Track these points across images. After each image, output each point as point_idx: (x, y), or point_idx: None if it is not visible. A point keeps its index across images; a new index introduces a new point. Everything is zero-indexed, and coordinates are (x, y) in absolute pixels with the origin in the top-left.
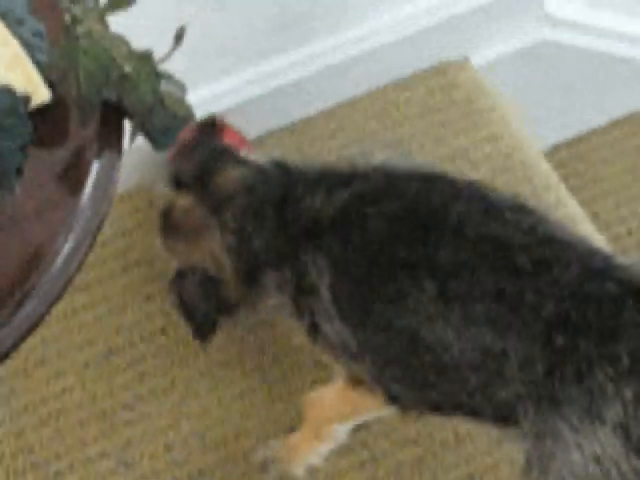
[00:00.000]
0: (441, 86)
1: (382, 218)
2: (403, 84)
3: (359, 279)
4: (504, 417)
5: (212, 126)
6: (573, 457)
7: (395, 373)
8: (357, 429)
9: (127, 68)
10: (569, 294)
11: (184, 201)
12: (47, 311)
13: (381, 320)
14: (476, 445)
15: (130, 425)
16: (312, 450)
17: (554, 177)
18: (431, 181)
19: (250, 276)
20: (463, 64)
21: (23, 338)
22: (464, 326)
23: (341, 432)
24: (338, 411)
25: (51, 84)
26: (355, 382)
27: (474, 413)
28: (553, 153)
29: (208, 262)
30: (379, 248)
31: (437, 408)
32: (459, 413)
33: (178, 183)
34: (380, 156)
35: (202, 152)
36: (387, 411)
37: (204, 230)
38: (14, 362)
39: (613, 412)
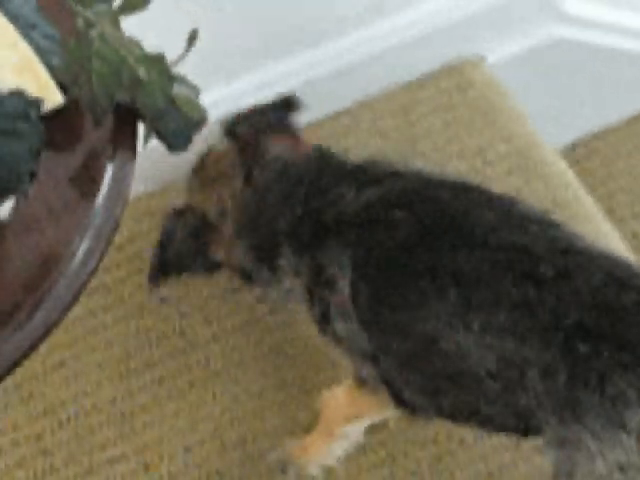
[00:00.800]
0: (456, 85)
1: (408, 222)
2: (418, 83)
3: (380, 280)
4: (523, 426)
5: (287, 104)
6: (597, 466)
7: (408, 377)
8: (374, 429)
9: (140, 71)
10: (590, 303)
11: (225, 148)
12: (63, 315)
13: (399, 323)
14: (493, 443)
15: (148, 427)
16: (326, 450)
17: (570, 175)
18: (461, 190)
19: (266, 253)
20: (478, 63)
21: (39, 342)
22: (485, 334)
23: (355, 432)
24: (348, 411)
25: (64, 87)
26: (360, 382)
27: (490, 422)
28: (568, 151)
29: (215, 208)
30: (403, 251)
31: (449, 415)
32: (472, 421)
33: (230, 133)
34: (417, 163)
35: (265, 115)
36: (391, 413)
37: (227, 178)
38: (31, 365)
39: (636, 419)
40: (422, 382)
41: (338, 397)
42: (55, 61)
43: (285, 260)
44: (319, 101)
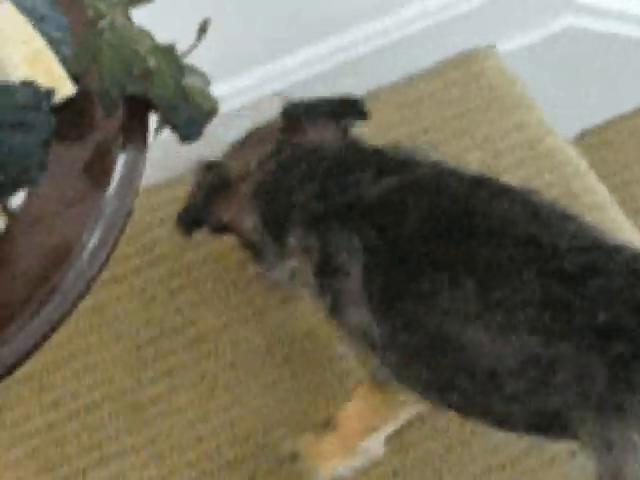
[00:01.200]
0: (467, 74)
1: (425, 212)
2: (429, 74)
3: (393, 270)
4: (545, 426)
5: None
6: None
7: (417, 372)
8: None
9: (151, 62)
10: (621, 300)
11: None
12: (74, 307)
13: (411, 315)
14: (505, 434)
15: (159, 418)
16: (342, 463)
17: (583, 164)
18: (479, 182)
19: (277, 226)
20: (489, 52)
21: (50, 334)
22: (505, 331)
23: (374, 446)
24: (365, 423)
25: (75, 78)
26: (376, 382)
27: (505, 420)
28: (580, 140)
29: (239, 166)
30: (418, 242)
31: (460, 411)
32: (484, 419)
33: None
34: (435, 154)
35: (324, 107)
36: (409, 414)
37: (261, 145)
38: (43, 357)
39: None
40: (432, 377)
41: (352, 411)
42: (66, 52)
43: (294, 237)
44: (329, 94)
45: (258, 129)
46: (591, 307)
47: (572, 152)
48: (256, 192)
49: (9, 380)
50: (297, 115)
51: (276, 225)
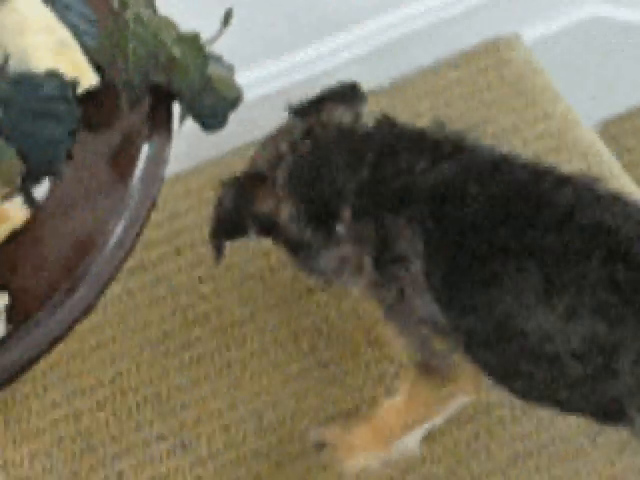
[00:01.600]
0: (492, 64)
1: (487, 198)
2: (454, 62)
3: (457, 256)
4: (605, 411)
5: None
6: None
7: (482, 357)
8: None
9: (176, 51)
10: None
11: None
12: (99, 295)
13: (476, 301)
14: (532, 422)
15: (186, 407)
16: (372, 458)
17: (607, 154)
18: (543, 170)
19: (322, 214)
20: (514, 41)
21: (76, 322)
22: (571, 316)
23: (412, 443)
24: (409, 417)
25: (100, 68)
26: (428, 371)
27: (566, 404)
28: (604, 129)
29: (268, 155)
30: (483, 228)
31: (521, 395)
32: (546, 403)
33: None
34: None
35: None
36: (455, 407)
37: (286, 132)
38: (69, 346)
39: None
40: (496, 362)
41: (396, 406)
42: (91, 42)
43: (343, 224)
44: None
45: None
46: None
47: (596, 141)
48: (291, 177)
49: (35, 369)
50: (309, 105)
51: (319, 212)
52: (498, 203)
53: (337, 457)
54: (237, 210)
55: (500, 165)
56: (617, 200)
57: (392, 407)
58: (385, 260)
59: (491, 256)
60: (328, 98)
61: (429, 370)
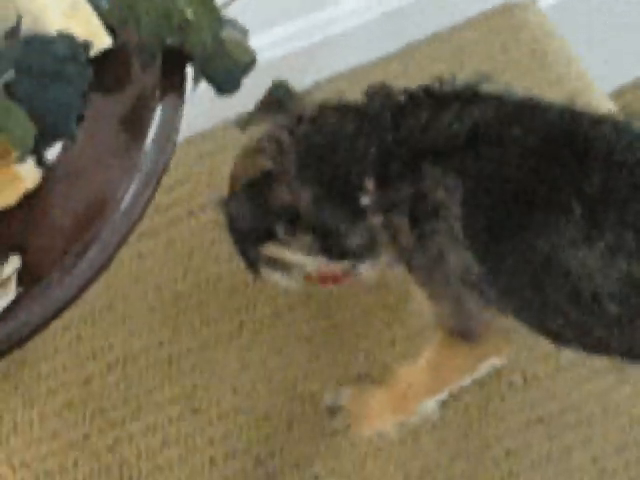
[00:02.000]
0: (507, 27)
1: (524, 140)
2: (468, 25)
3: (498, 200)
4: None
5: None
6: None
7: (519, 302)
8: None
9: (189, 13)
10: None
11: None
12: (111, 257)
13: (517, 244)
14: (543, 389)
15: (197, 370)
16: (390, 423)
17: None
18: (578, 112)
19: (344, 193)
20: (529, 4)
21: (87, 285)
22: (612, 254)
23: (431, 408)
24: (433, 382)
25: (112, 30)
26: (458, 334)
27: (602, 345)
28: (618, 95)
29: (269, 147)
30: (523, 169)
31: (556, 338)
32: (583, 344)
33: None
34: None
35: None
36: (497, 360)
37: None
38: (80, 309)
39: None
40: (537, 303)
41: (420, 371)
42: (103, 4)
43: (370, 197)
44: (368, 46)
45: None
46: None
47: (610, 107)
48: (302, 162)
49: (46, 332)
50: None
51: (340, 189)
52: (537, 143)
53: (352, 422)
54: (256, 213)
55: (532, 106)
56: None
57: (415, 372)
58: (424, 214)
59: (534, 197)
60: (262, 110)
61: (462, 334)
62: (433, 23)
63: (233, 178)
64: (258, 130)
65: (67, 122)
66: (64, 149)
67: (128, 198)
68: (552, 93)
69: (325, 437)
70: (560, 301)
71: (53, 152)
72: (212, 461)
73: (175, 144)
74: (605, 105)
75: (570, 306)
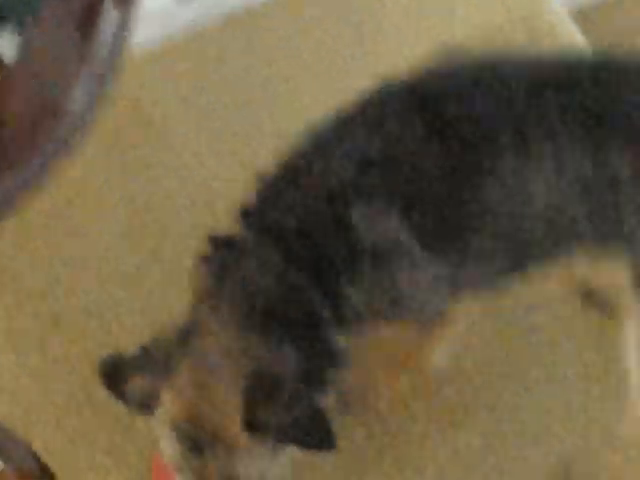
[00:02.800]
0: None
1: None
2: None
3: (427, 190)
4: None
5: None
6: None
7: (498, 246)
8: None
9: None
10: None
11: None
12: (64, 158)
13: (482, 201)
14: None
15: None
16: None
17: (580, 39)
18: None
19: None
20: None
21: (40, 182)
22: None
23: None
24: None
25: None
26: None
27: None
28: (579, 16)
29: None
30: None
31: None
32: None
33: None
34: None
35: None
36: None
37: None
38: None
39: None
40: (515, 236)
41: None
42: None
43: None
44: None
45: None
46: None
47: (571, 27)
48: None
49: None
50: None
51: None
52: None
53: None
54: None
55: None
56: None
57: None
58: (369, 262)
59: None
60: (131, 369)
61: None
62: None
63: None
64: None
65: (22, 16)
66: (20, 48)
67: (81, 101)
68: (513, 15)
69: None
70: (533, 228)
71: (9, 46)
72: None
73: (128, 45)
74: (566, 25)
75: (540, 229)
